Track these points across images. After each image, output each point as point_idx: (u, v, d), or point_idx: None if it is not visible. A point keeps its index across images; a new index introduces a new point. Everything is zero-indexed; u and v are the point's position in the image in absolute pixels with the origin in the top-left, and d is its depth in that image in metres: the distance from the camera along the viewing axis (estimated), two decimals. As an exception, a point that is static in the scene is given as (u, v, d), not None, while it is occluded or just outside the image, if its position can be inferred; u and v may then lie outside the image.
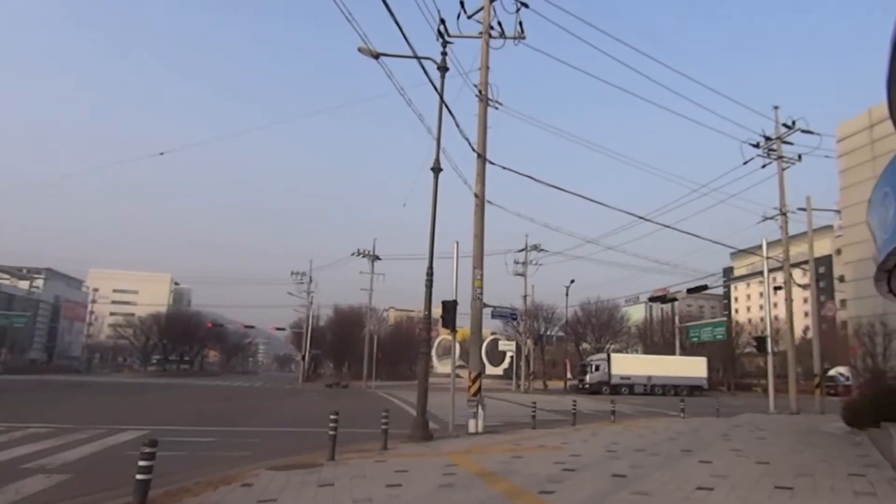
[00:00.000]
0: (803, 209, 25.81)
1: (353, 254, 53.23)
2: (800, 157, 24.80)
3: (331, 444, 9.47)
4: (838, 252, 76.68)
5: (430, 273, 13.73)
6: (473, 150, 16.25)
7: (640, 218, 20.88)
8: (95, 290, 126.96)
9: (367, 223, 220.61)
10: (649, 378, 48.27)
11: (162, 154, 20.07)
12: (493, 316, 16.97)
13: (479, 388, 14.75)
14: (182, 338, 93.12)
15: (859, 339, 14.02)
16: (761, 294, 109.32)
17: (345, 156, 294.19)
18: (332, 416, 9.62)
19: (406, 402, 27.00)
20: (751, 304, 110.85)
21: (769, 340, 23.50)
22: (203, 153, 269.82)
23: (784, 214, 24.24)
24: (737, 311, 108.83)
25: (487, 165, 16.51)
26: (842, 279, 58.96)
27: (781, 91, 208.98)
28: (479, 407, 14.35)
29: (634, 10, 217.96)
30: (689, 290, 36.62)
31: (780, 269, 26.60)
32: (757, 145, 25.05)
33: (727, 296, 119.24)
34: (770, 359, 23.86)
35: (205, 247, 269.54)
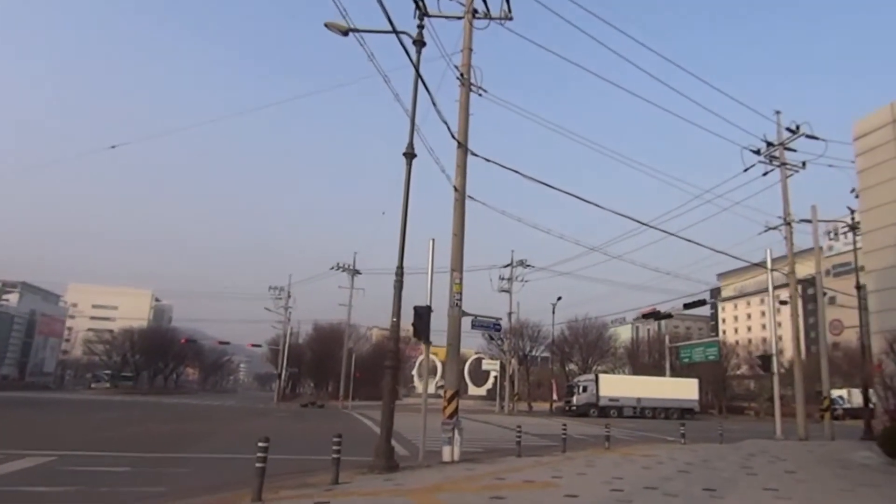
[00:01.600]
0: (807, 220, 24.17)
1: (332, 268, 50.98)
2: (804, 164, 23.32)
3: (258, 480, 7.39)
4: (827, 272, 76.29)
5: (399, 273, 11.72)
6: (453, 137, 14.38)
7: (640, 223, 19.08)
8: (73, 304, 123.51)
9: (347, 236, 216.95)
10: (639, 400, 46.47)
11: (114, 147, 17.92)
12: (474, 326, 14.90)
13: (456, 409, 12.65)
14: (157, 354, 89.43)
15: (894, 354, 12.12)
16: (749, 315, 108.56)
17: (329, 165, 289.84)
18: (260, 444, 7.55)
19: (378, 423, 24.74)
20: (738, 325, 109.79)
21: (775, 359, 21.63)
22: (184, 154, 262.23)
23: (789, 224, 22.55)
24: (724, 332, 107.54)
25: (470, 157, 14.75)
26: (832, 300, 57.94)
27: (783, 98, 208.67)
28: (455, 431, 12.24)
29: (631, 6, 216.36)
30: (686, 305, 34.88)
31: (784, 286, 24.88)
32: (758, 152, 23.53)
33: (714, 317, 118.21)
34: (776, 379, 21.99)
35: (188, 263, 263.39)
